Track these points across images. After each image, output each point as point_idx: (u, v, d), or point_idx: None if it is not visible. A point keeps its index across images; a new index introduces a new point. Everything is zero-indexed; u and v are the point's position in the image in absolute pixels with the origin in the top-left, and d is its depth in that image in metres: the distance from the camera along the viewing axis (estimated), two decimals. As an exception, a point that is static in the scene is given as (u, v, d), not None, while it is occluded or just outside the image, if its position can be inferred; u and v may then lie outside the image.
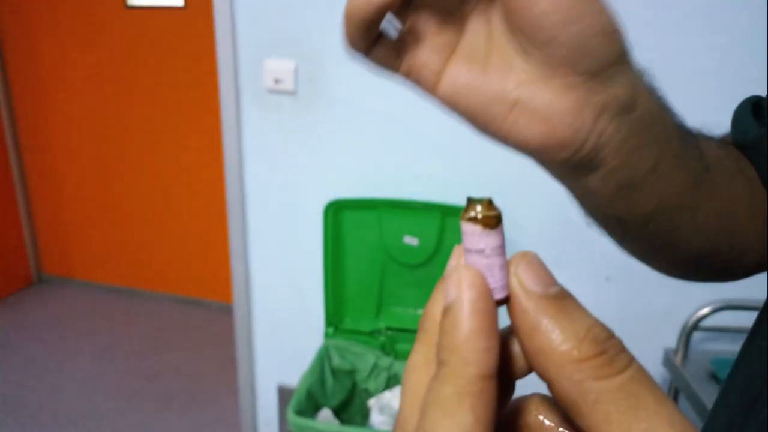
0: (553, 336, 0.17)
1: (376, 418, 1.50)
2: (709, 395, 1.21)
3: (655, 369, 1.46)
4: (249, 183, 1.67)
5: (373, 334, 1.60)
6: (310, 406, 1.40)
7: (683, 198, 0.36)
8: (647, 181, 0.33)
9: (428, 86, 0.32)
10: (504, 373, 0.19)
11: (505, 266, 0.18)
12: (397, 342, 1.59)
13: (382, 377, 1.57)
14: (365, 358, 1.57)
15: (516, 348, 0.19)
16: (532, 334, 0.17)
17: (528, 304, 0.18)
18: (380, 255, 1.56)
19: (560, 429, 0.19)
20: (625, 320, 1.53)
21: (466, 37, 0.31)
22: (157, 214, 2.84)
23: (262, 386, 1.87)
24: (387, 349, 1.59)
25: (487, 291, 0.18)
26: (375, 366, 1.57)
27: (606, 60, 0.28)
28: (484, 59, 0.31)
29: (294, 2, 1.48)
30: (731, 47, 1.29)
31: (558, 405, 0.18)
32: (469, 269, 0.18)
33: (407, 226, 1.52)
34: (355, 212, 1.54)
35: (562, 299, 0.18)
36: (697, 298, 1.38)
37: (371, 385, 1.58)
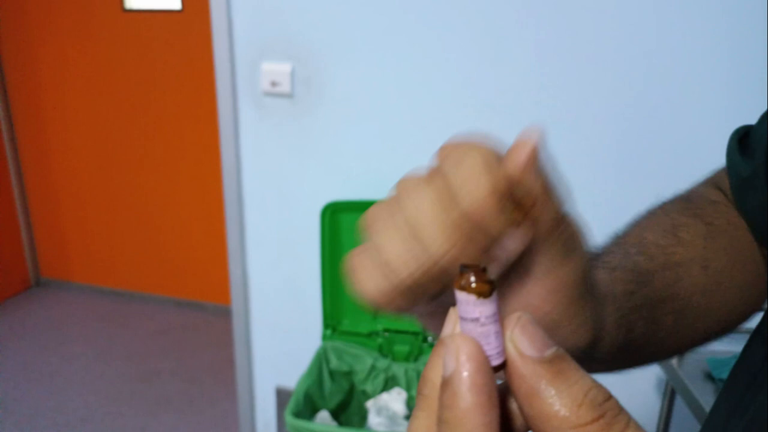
0: (550, 401, 0.17)
1: (374, 420, 1.50)
2: (705, 395, 1.21)
3: (651, 369, 1.46)
4: (246, 185, 1.67)
5: (370, 335, 1.60)
6: (307, 408, 1.40)
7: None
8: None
9: None
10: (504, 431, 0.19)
11: (501, 333, 0.19)
12: (394, 344, 1.59)
13: (380, 379, 1.57)
14: (363, 360, 1.58)
15: (514, 406, 0.19)
16: (530, 399, 0.17)
17: (524, 370, 0.18)
18: (377, 257, 1.56)
19: None
20: (622, 321, 1.54)
21: None
22: (155, 217, 2.84)
23: (260, 388, 1.87)
24: (385, 350, 1.59)
25: (484, 363, 0.18)
26: (373, 368, 1.58)
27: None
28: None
29: (290, 5, 1.48)
30: (734, 47, 1.30)
31: None
32: (465, 340, 0.18)
33: (404, 227, 1.53)
34: (352, 214, 1.55)
35: (558, 362, 0.18)
36: (692, 298, 1.38)
37: (369, 387, 1.58)
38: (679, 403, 1.35)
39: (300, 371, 1.49)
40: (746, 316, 0.44)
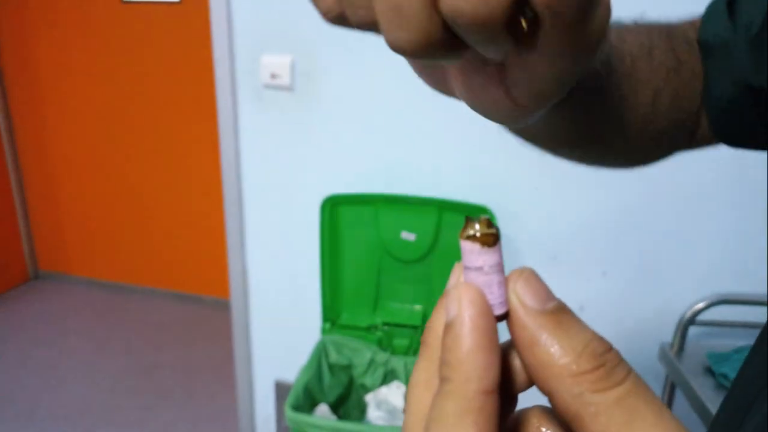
0: (551, 350, 0.17)
1: (373, 414, 1.50)
2: (705, 390, 1.21)
3: (651, 363, 1.46)
4: (246, 178, 1.66)
5: (370, 329, 1.60)
6: (307, 401, 1.40)
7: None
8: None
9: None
10: (506, 387, 0.19)
11: (504, 283, 0.19)
12: (394, 337, 1.59)
13: (379, 372, 1.57)
14: (362, 354, 1.57)
15: (517, 362, 0.19)
16: (531, 348, 0.18)
17: (527, 319, 0.18)
18: (377, 250, 1.56)
19: None
20: (622, 315, 1.54)
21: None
22: (154, 209, 2.83)
23: (260, 382, 1.87)
24: (384, 344, 1.59)
25: (486, 308, 0.18)
26: (372, 361, 1.57)
27: None
28: None
29: (290, -3, 1.47)
30: None
31: (559, 417, 0.18)
32: (468, 287, 0.19)
33: (404, 221, 1.52)
34: (351, 208, 1.54)
35: (560, 314, 0.18)
36: (693, 292, 1.38)
37: (368, 381, 1.58)
38: (679, 397, 1.35)
39: (299, 365, 1.49)
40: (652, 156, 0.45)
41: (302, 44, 1.50)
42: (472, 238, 0.19)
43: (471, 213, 1.46)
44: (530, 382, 0.19)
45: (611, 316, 1.54)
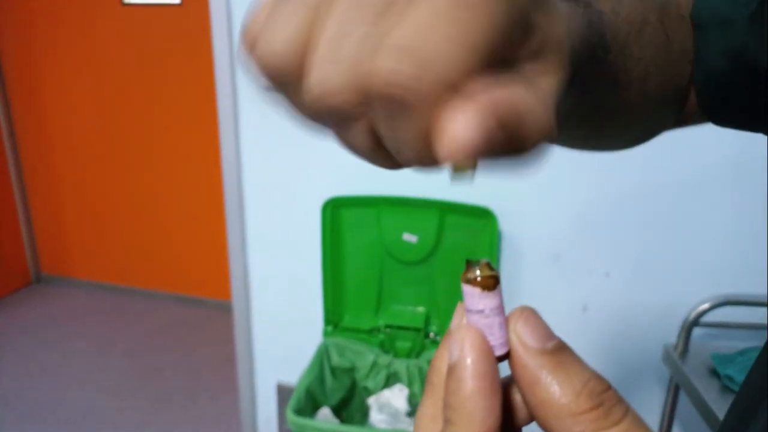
0: (551, 390, 0.18)
1: (376, 417, 1.50)
2: (709, 392, 1.20)
3: (655, 365, 1.45)
4: (247, 180, 1.66)
5: (372, 331, 1.59)
6: (309, 404, 1.39)
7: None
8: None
9: None
10: (508, 422, 0.20)
11: (505, 324, 0.20)
12: (396, 340, 1.58)
13: (382, 375, 1.57)
14: (364, 356, 1.57)
15: (518, 397, 0.20)
16: (532, 387, 0.18)
17: (527, 359, 0.19)
18: (379, 252, 1.55)
19: None
20: (625, 316, 1.53)
21: None
22: (156, 212, 2.83)
23: (262, 384, 1.87)
24: (386, 346, 1.59)
25: (488, 352, 0.19)
26: (374, 364, 1.57)
27: None
28: None
29: (290, -2, 1.47)
30: None
31: None
32: (470, 330, 0.19)
33: (406, 223, 1.52)
34: (353, 209, 1.53)
35: (559, 353, 0.19)
36: (697, 293, 1.37)
37: (370, 384, 1.57)
38: (683, 399, 1.34)
39: (301, 367, 1.48)
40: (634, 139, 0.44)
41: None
42: (473, 281, 0.20)
43: (473, 214, 1.46)
44: (531, 417, 0.20)
45: (615, 317, 1.53)
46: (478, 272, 0.20)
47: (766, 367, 0.37)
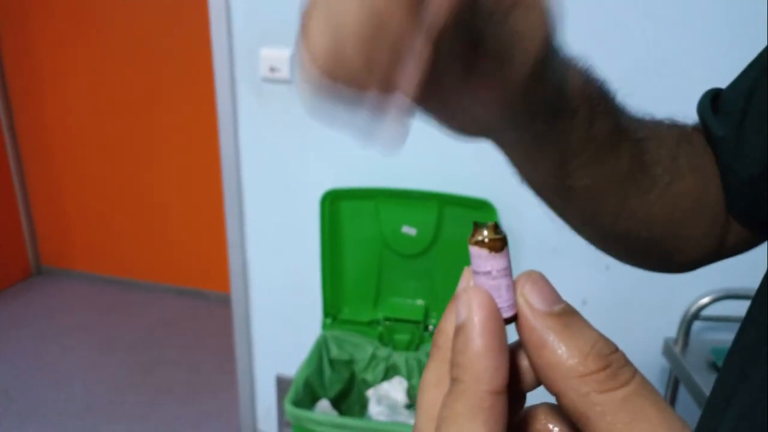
0: (559, 352, 0.18)
1: (374, 409, 1.50)
2: (709, 385, 1.20)
3: (655, 358, 1.45)
4: (245, 173, 1.65)
5: (371, 324, 1.59)
6: (307, 397, 1.39)
7: (609, 185, 0.39)
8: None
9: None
10: (514, 386, 0.20)
11: (512, 286, 0.20)
12: (395, 332, 1.58)
13: (381, 368, 1.56)
14: (363, 349, 1.57)
15: (525, 362, 0.20)
16: (539, 350, 0.18)
17: (535, 321, 0.19)
18: (378, 245, 1.55)
19: None
20: (626, 309, 1.52)
21: None
22: (156, 205, 2.83)
23: (261, 377, 1.87)
24: (385, 339, 1.58)
25: (495, 311, 0.19)
26: (373, 356, 1.57)
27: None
28: None
29: (289, -11, 1.46)
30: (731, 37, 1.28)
31: (565, 414, 0.19)
32: (478, 290, 0.19)
33: (405, 215, 1.51)
34: (352, 202, 1.53)
35: (567, 316, 0.19)
36: (697, 287, 1.37)
37: (369, 376, 1.57)
38: (683, 392, 1.34)
39: (300, 360, 1.48)
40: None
41: (302, 37, 1.49)
42: (481, 243, 0.19)
43: (472, 206, 1.45)
44: (538, 382, 0.20)
45: (615, 310, 1.53)
46: (485, 233, 0.19)
47: (742, 349, 0.39)
